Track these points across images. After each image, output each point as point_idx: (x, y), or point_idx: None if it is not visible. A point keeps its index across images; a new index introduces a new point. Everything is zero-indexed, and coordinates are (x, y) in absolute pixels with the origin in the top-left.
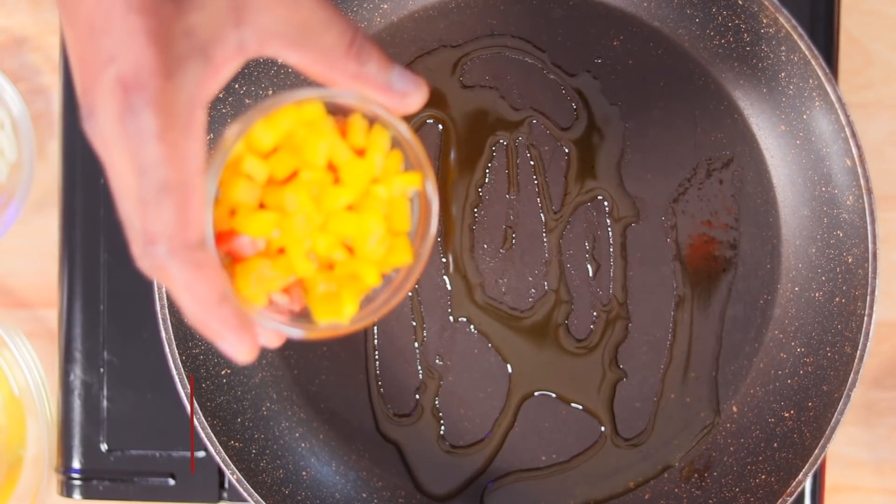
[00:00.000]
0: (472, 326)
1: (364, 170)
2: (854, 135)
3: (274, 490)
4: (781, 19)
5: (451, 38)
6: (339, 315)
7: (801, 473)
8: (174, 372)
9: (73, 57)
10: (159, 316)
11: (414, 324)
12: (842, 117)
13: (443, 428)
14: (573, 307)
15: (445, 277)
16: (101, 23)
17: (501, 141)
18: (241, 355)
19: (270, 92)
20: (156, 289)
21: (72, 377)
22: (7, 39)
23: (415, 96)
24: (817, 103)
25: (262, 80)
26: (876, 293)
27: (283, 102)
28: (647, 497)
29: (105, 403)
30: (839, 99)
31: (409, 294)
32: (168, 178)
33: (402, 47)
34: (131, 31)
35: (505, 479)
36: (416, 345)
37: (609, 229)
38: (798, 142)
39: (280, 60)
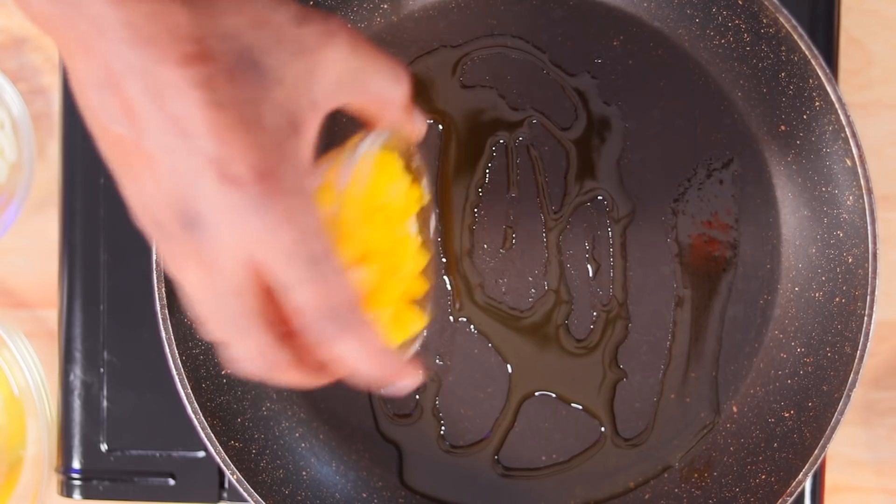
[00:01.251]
0: (472, 326)
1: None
2: (854, 135)
3: (274, 490)
4: (781, 19)
5: (451, 38)
6: (414, 327)
7: (801, 473)
8: (174, 372)
9: (140, 172)
10: (159, 316)
11: None
12: (842, 117)
13: (443, 428)
14: (573, 307)
15: (445, 277)
16: (181, 126)
17: (501, 141)
18: (409, 388)
19: None
20: (156, 289)
21: (72, 377)
22: (7, 39)
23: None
24: (817, 103)
25: None
26: (876, 293)
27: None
28: (647, 497)
29: (105, 403)
30: (839, 99)
31: None
32: (313, 251)
33: (402, 47)
34: (220, 128)
35: (505, 479)
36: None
37: (609, 229)
38: (798, 142)
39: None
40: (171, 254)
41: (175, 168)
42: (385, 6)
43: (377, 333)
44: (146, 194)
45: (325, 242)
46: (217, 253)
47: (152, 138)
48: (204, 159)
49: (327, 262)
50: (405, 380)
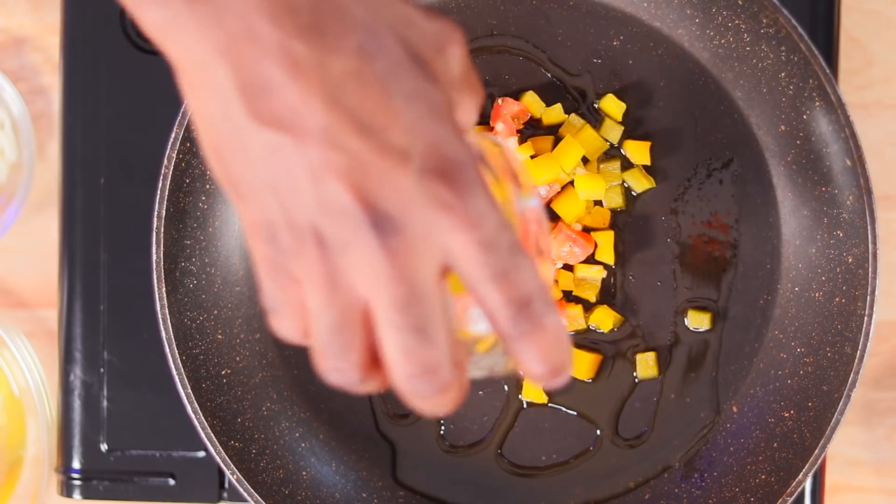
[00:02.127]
0: None
1: None
2: (854, 135)
3: (274, 490)
4: (781, 19)
5: None
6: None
7: (801, 473)
8: (174, 372)
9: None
10: (159, 316)
11: None
12: (842, 117)
13: (443, 428)
14: None
15: None
16: (362, 121)
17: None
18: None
19: None
20: (156, 289)
21: (72, 377)
22: (7, 39)
23: None
24: (817, 103)
25: None
26: (876, 293)
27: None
28: (647, 497)
29: (105, 403)
30: (839, 99)
31: None
32: (515, 238)
33: None
34: (416, 116)
35: (505, 478)
36: None
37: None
38: (798, 142)
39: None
40: (286, 275)
41: (355, 167)
42: None
43: (565, 325)
44: (288, 205)
45: (513, 230)
46: (410, 258)
47: (322, 140)
48: (397, 156)
49: (521, 251)
50: (568, 372)
